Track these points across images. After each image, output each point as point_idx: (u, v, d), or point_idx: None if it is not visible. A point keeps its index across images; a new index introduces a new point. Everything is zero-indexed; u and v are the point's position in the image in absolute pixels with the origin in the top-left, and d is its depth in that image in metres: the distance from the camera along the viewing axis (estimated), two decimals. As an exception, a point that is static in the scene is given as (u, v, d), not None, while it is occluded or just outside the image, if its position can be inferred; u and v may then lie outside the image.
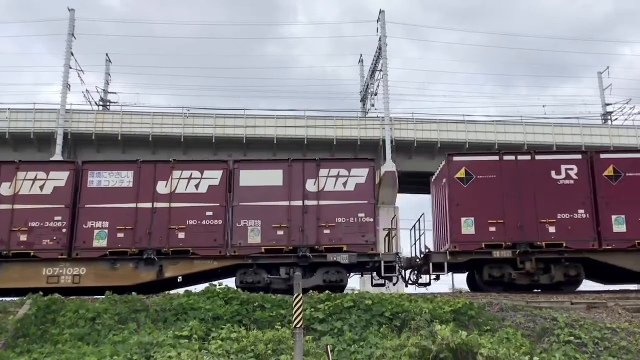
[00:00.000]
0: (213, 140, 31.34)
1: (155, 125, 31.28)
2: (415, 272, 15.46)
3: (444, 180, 15.54)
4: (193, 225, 14.43)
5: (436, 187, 16.95)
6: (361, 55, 40.74)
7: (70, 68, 32.81)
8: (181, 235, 14.40)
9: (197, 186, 14.73)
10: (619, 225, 14.39)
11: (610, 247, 14.27)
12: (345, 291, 13.89)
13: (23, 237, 14.37)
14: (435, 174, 17.09)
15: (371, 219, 14.52)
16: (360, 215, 14.46)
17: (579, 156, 15.13)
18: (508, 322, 10.95)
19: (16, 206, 14.54)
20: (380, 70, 34.65)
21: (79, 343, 10.42)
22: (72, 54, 33.01)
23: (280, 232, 14.37)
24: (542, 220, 14.46)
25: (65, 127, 30.68)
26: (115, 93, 38.42)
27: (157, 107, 47.99)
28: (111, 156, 31.17)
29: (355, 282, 35.41)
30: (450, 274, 17.38)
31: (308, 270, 14.35)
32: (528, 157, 15.20)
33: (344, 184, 14.71)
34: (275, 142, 31.48)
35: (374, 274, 15.29)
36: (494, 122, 33.16)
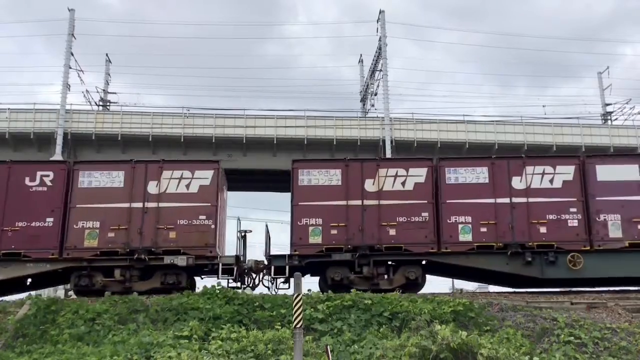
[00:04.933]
0: (213, 140, 31.34)
1: (155, 125, 31.26)
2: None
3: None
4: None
5: None
6: (361, 56, 40.79)
7: (70, 68, 32.80)
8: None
9: None
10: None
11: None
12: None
13: None
14: None
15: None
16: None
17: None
18: (508, 322, 10.95)
19: None
20: (380, 70, 34.66)
21: (78, 343, 10.42)
22: (72, 54, 33.01)
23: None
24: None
25: (65, 127, 30.66)
26: (115, 93, 38.40)
27: (157, 107, 48.08)
28: (112, 156, 31.26)
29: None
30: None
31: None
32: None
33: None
34: (275, 142, 31.48)
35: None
36: (494, 123, 33.14)
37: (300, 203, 14.51)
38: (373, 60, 36.30)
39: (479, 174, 14.65)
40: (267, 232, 15.58)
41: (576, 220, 14.17)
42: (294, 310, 8.60)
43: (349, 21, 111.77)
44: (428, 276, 15.05)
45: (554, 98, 75.03)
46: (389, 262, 14.38)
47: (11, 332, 11.10)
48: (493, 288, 16.45)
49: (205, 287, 12.85)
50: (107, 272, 14.15)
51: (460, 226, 14.25)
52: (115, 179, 14.62)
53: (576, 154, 19.52)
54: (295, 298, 8.69)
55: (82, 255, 14.08)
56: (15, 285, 14.94)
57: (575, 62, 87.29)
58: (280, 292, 14.79)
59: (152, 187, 14.54)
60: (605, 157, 15.49)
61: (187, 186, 14.57)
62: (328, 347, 9.21)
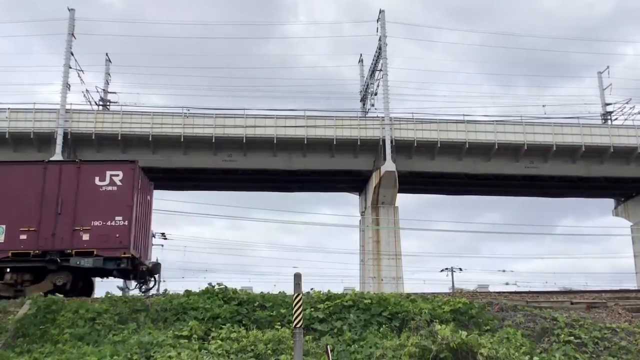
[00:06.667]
0: (213, 140, 31.35)
1: (155, 125, 31.26)
2: None
3: None
4: None
5: None
6: (361, 55, 40.73)
7: (70, 68, 32.79)
8: None
9: None
10: None
11: None
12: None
13: None
14: None
15: None
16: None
17: None
18: (508, 322, 10.95)
19: None
20: (381, 70, 34.65)
21: (79, 343, 10.40)
22: (72, 54, 33.01)
23: None
24: None
25: (65, 127, 30.66)
26: (115, 93, 38.38)
27: (157, 107, 47.85)
28: (111, 156, 31.29)
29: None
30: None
31: None
32: None
33: None
34: (275, 142, 31.48)
35: None
36: (494, 122, 33.12)
37: None
38: (373, 60, 36.28)
39: None
40: None
41: None
42: (294, 310, 8.60)
43: (348, 21, 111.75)
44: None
45: (554, 98, 74.94)
46: None
47: (11, 331, 11.08)
48: (493, 288, 16.44)
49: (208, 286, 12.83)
50: None
51: None
52: None
53: None
54: (295, 298, 8.69)
55: None
56: None
57: (575, 61, 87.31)
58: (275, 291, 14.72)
59: None
60: None
61: None
62: (328, 346, 9.21)
